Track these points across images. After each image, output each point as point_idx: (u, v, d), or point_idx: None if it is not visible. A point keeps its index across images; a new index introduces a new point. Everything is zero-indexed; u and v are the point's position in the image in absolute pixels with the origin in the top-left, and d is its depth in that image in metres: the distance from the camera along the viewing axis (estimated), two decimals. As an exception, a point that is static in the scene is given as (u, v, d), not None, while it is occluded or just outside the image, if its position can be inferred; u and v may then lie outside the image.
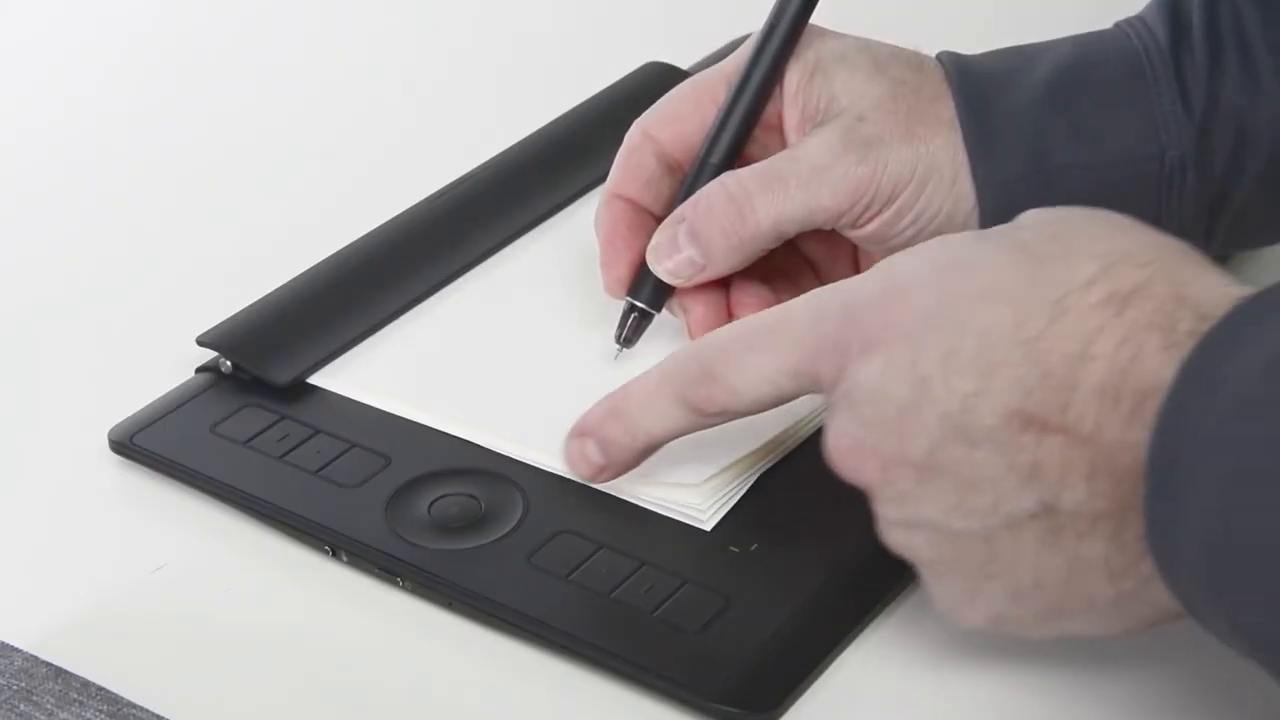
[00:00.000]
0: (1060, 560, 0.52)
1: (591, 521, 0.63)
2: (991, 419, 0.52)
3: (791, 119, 0.68)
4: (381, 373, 0.70)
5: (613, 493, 0.64)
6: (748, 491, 0.64)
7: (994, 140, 0.66)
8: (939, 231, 0.66)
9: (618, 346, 0.69)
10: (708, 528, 0.63)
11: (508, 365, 0.71)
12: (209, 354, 0.70)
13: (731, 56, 0.69)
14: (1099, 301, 0.51)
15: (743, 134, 0.68)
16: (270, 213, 0.84)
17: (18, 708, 0.57)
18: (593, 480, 0.63)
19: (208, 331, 0.71)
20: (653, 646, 0.58)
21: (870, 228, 0.66)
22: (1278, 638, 0.47)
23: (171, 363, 0.71)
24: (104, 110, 0.93)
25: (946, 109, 0.66)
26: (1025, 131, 0.66)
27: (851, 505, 0.64)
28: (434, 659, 0.60)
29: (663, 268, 0.68)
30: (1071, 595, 0.53)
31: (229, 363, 0.70)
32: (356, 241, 0.77)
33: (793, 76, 0.68)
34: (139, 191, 0.86)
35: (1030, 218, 0.56)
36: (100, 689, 0.57)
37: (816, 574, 0.61)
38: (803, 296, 0.58)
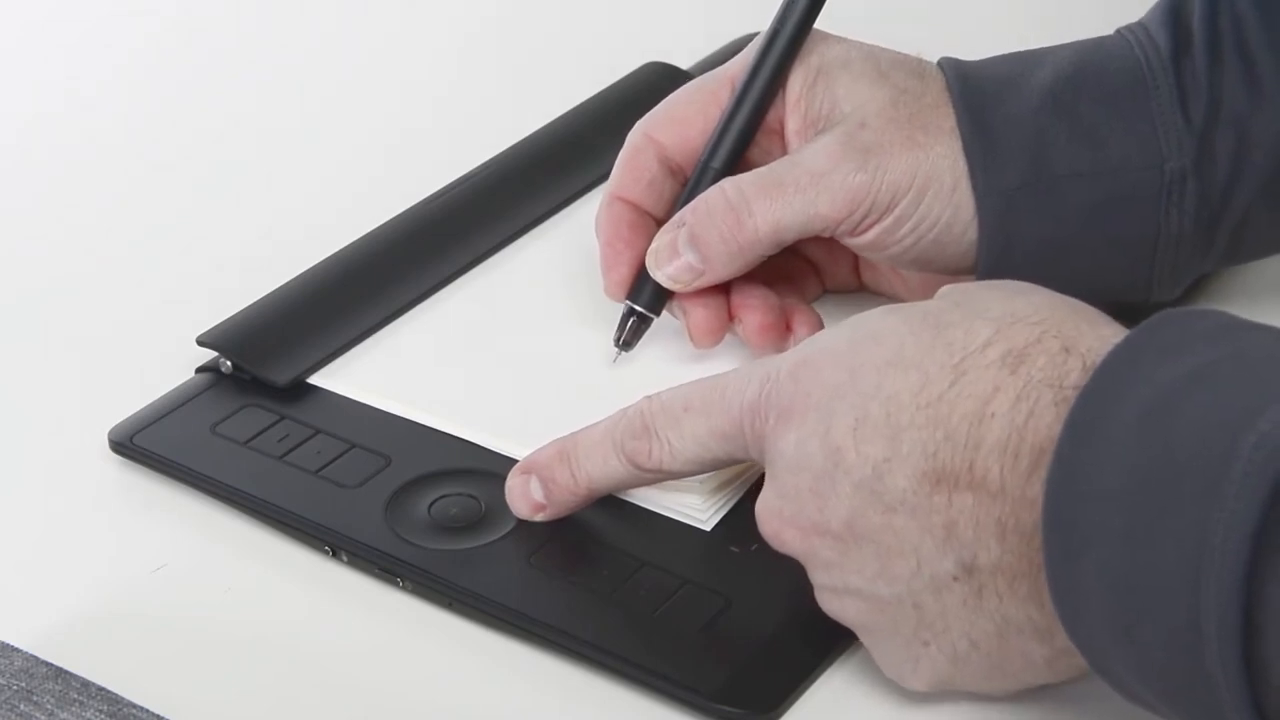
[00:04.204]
0: (989, 622, 0.53)
1: (592, 522, 0.63)
2: (904, 482, 0.53)
3: (793, 124, 0.68)
4: (381, 373, 0.70)
5: (612, 493, 0.64)
6: (748, 491, 0.64)
7: (994, 148, 0.65)
8: (938, 241, 0.66)
9: (616, 349, 0.69)
10: (708, 528, 0.63)
11: (507, 365, 0.71)
12: (209, 354, 0.70)
13: (735, 59, 0.69)
14: (994, 361, 0.52)
15: (744, 139, 0.68)
16: (270, 213, 0.84)
17: (18, 708, 0.57)
18: (530, 517, 0.63)
19: (208, 331, 0.71)
20: (653, 646, 0.58)
21: (869, 236, 0.66)
22: (1179, 688, 0.47)
23: (171, 363, 0.71)
24: (104, 110, 0.93)
25: (948, 116, 0.66)
26: (1025, 139, 0.65)
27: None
28: (434, 659, 0.60)
29: (662, 273, 0.68)
30: (1008, 654, 0.54)
31: (229, 363, 0.70)
32: (356, 241, 0.77)
33: (795, 82, 0.68)
34: (139, 192, 0.86)
35: (943, 290, 0.57)
36: (100, 689, 0.57)
37: (816, 574, 0.61)
38: (739, 366, 0.59)
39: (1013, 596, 0.52)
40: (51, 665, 0.58)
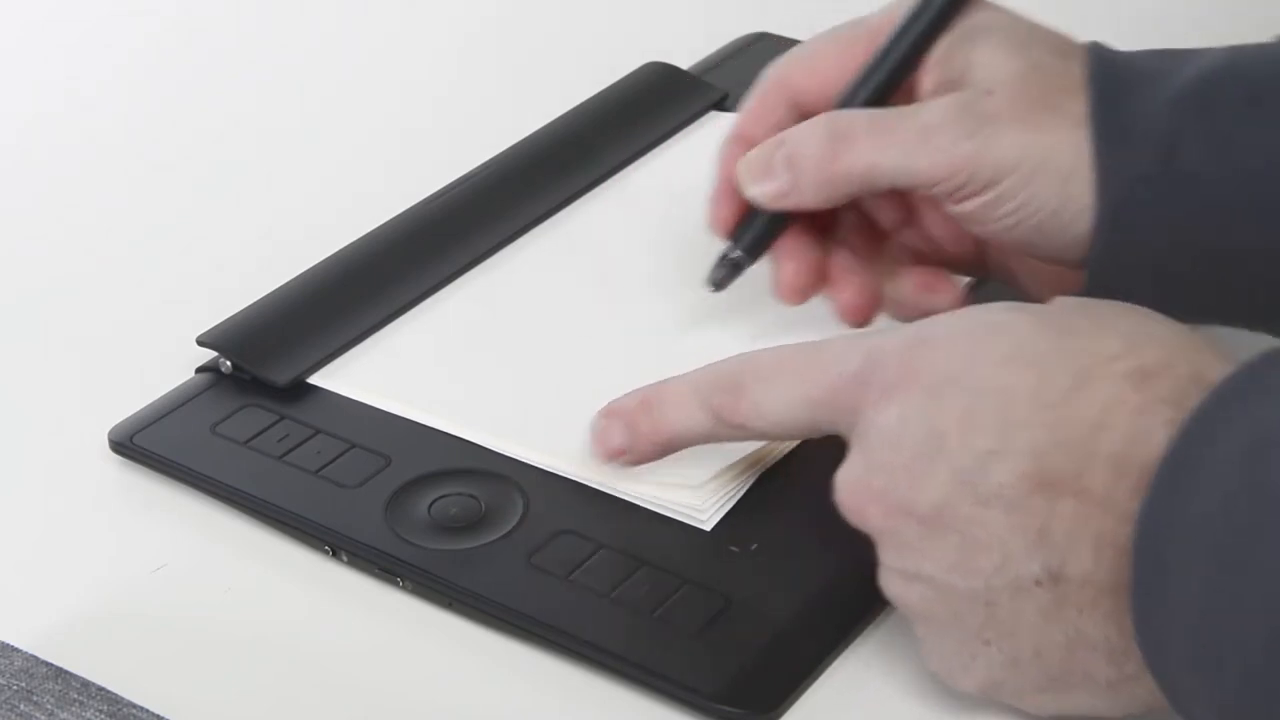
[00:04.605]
0: (1060, 634, 0.52)
1: (591, 521, 0.63)
2: (1005, 478, 0.52)
3: (928, 84, 0.66)
4: (381, 373, 0.70)
5: (613, 493, 0.64)
6: (748, 491, 0.64)
7: (1123, 135, 0.62)
8: (1042, 227, 0.63)
9: (709, 286, 0.69)
10: (708, 528, 0.63)
11: (508, 365, 0.71)
12: (209, 354, 0.70)
13: (881, 11, 0.67)
14: (1121, 374, 0.52)
15: (882, 93, 0.66)
16: (270, 213, 0.84)
17: (18, 708, 0.57)
18: (610, 460, 0.63)
19: (208, 331, 0.71)
20: (653, 646, 0.58)
21: (968, 206, 0.63)
22: None
23: (171, 363, 0.71)
24: (104, 110, 0.93)
25: (1077, 103, 0.63)
26: (1157, 131, 0.62)
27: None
28: (434, 659, 0.60)
29: (752, 187, 0.66)
30: (1071, 670, 0.53)
31: (229, 363, 0.70)
32: (356, 241, 0.77)
33: (940, 42, 0.66)
34: (139, 192, 0.86)
35: (1061, 300, 0.56)
36: (100, 689, 0.57)
37: (816, 574, 0.61)
38: (840, 334, 0.58)
39: (1093, 612, 0.51)
40: (51, 665, 0.58)
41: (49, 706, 0.57)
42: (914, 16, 0.66)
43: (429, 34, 1.00)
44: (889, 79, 0.66)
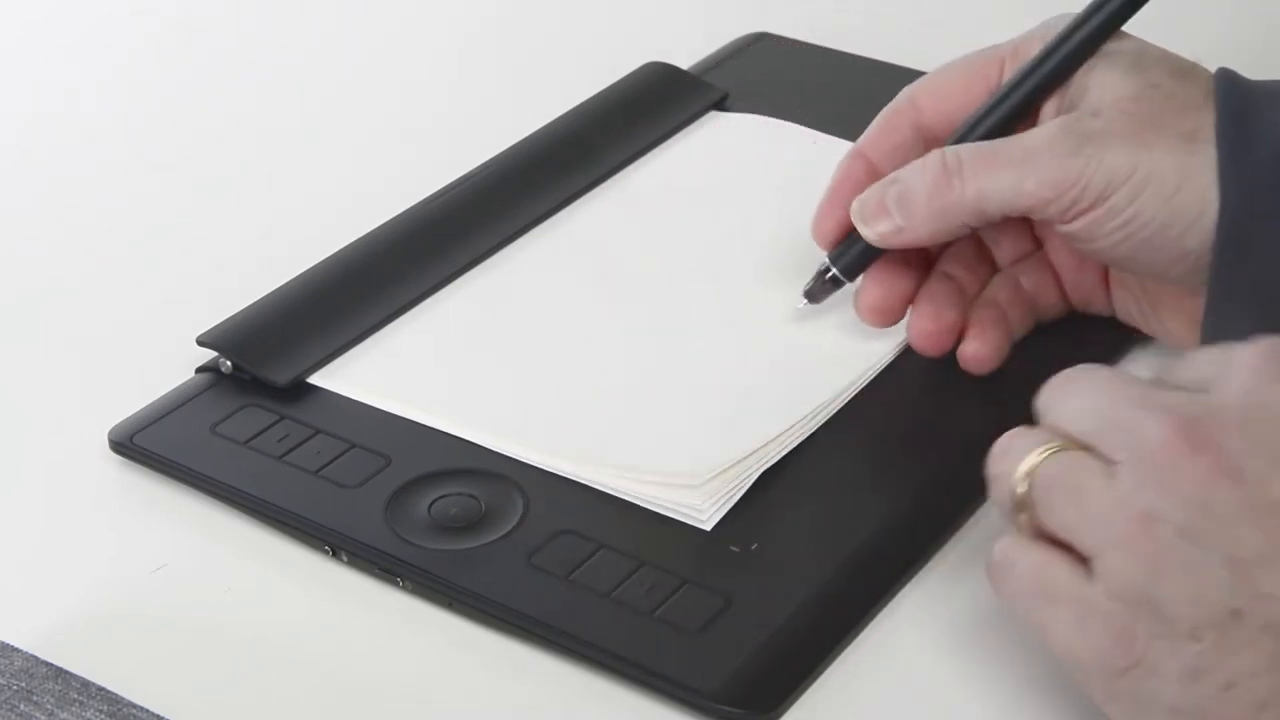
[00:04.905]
0: None
1: (591, 521, 0.63)
2: None
3: (1049, 112, 0.66)
4: (381, 373, 0.70)
5: (613, 493, 0.64)
6: (748, 491, 0.64)
7: (1248, 145, 0.62)
8: (1148, 241, 0.63)
9: (803, 299, 0.70)
10: (708, 528, 0.63)
11: (508, 365, 0.71)
12: (209, 354, 0.70)
13: (1024, 37, 0.68)
14: None
15: (1006, 126, 0.67)
16: (270, 213, 0.84)
17: (18, 708, 0.57)
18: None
19: (208, 331, 0.71)
20: (653, 646, 0.58)
21: (1078, 225, 0.64)
22: None
23: (171, 363, 0.71)
24: (104, 110, 0.93)
25: (1190, 121, 0.63)
26: (1278, 142, 0.62)
27: (852, 505, 0.64)
28: (434, 659, 0.60)
29: (865, 226, 0.67)
30: None
31: (229, 363, 0.70)
32: (356, 241, 0.77)
33: None
34: (139, 192, 0.86)
35: None
36: (100, 689, 0.57)
37: (816, 574, 0.61)
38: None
39: None
40: (51, 665, 0.58)
41: (49, 706, 0.57)
42: (1044, 56, 0.66)
43: (429, 34, 1.00)
44: (1010, 113, 0.66)
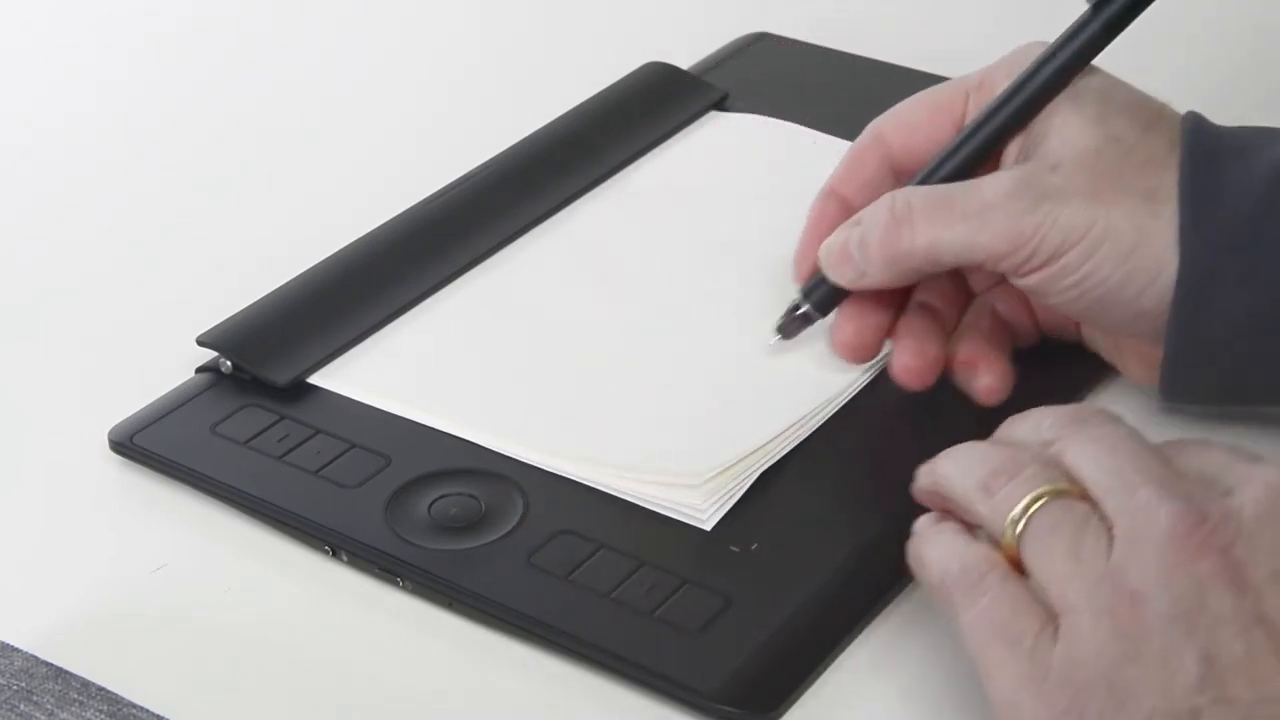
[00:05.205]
0: None
1: (591, 521, 0.63)
2: None
3: (1013, 149, 0.65)
4: (381, 373, 0.70)
5: (613, 493, 0.64)
6: (748, 491, 0.64)
7: (1212, 206, 0.61)
8: (1103, 299, 0.62)
9: (776, 335, 0.69)
10: (708, 527, 0.63)
11: (508, 365, 0.71)
12: (209, 354, 0.70)
13: (991, 67, 0.67)
14: None
15: (971, 166, 0.66)
16: (271, 213, 0.84)
17: (18, 708, 0.57)
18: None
19: (208, 331, 0.71)
20: (653, 646, 0.58)
21: (1032, 279, 0.63)
22: None
23: (171, 363, 0.71)
24: (106, 111, 0.93)
25: (1151, 178, 0.62)
26: (1248, 206, 0.61)
27: (852, 504, 0.64)
28: (434, 659, 0.60)
29: (830, 270, 0.67)
30: None
31: (229, 363, 0.70)
32: (356, 241, 0.77)
33: None
34: (140, 192, 0.86)
35: None
36: (100, 689, 0.57)
37: (816, 574, 0.61)
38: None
39: None
40: (51, 665, 0.58)
41: (49, 706, 0.57)
42: (1009, 95, 0.65)
43: (429, 34, 1.00)
44: (972, 156, 0.66)
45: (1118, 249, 0.62)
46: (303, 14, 1.01)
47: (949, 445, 0.65)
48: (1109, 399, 0.68)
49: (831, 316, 0.68)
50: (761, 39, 0.93)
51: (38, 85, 0.96)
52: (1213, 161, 0.62)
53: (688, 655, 0.58)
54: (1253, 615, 0.49)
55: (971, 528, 0.55)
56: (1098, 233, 0.62)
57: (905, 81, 0.89)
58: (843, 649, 0.59)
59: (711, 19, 0.96)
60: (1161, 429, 0.64)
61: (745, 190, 0.81)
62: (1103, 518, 0.52)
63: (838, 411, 0.68)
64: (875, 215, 0.65)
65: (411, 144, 0.88)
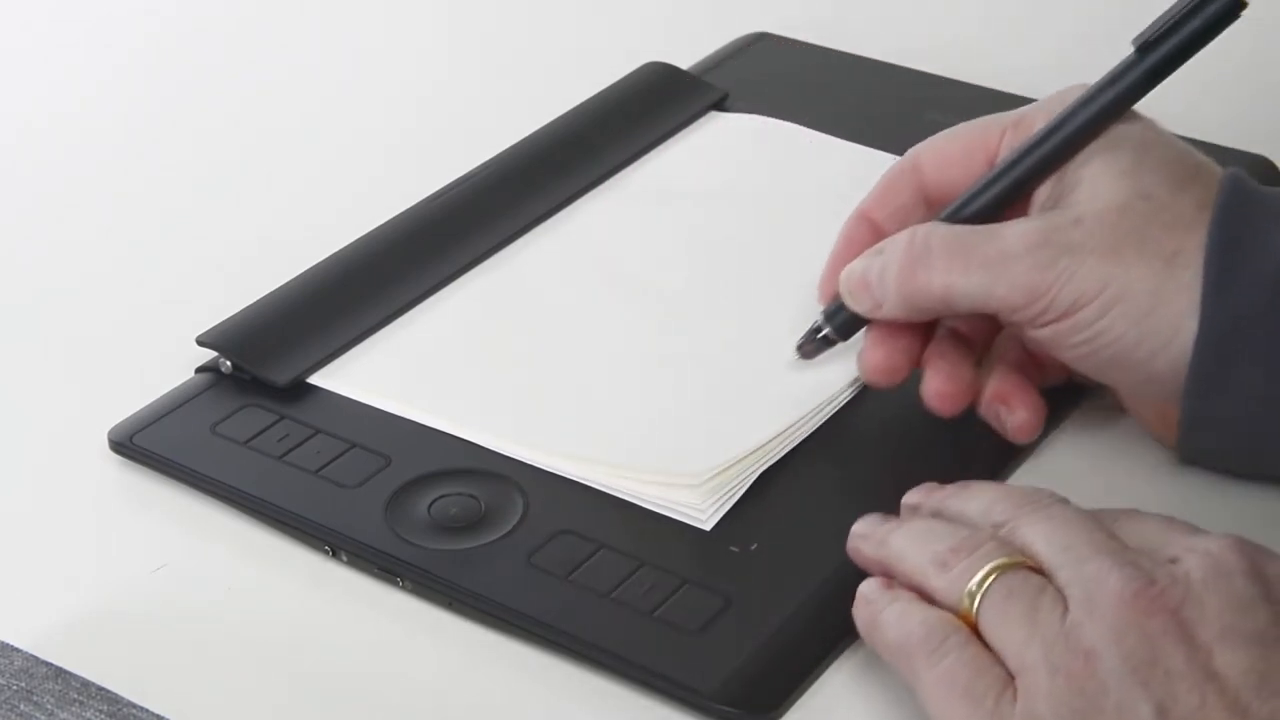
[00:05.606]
0: None
1: (591, 521, 0.63)
2: None
3: (1043, 192, 0.64)
4: (381, 373, 0.70)
5: (613, 493, 0.64)
6: (748, 491, 0.64)
7: (1237, 269, 0.60)
8: (1117, 357, 0.61)
9: (796, 354, 0.68)
10: (708, 528, 0.63)
11: (508, 365, 0.71)
12: (209, 354, 0.70)
13: (1025, 109, 0.66)
14: None
15: (1002, 203, 0.64)
16: (271, 213, 0.84)
17: (18, 708, 0.57)
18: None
19: (208, 331, 0.71)
20: (653, 646, 0.58)
21: (1044, 332, 0.62)
22: None
23: (171, 363, 0.71)
24: (104, 110, 0.93)
25: (1176, 240, 0.60)
26: (1272, 272, 0.59)
27: (851, 505, 0.64)
28: (434, 659, 0.60)
29: (851, 301, 0.66)
30: None
31: (229, 363, 0.70)
32: (356, 241, 0.77)
33: None
34: (139, 192, 0.86)
35: None
36: (100, 689, 0.57)
37: (816, 574, 0.61)
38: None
39: None
40: (51, 665, 0.58)
41: (49, 706, 0.57)
42: (1045, 136, 0.64)
43: (429, 34, 1.00)
44: (1001, 197, 0.64)
45: (1133, 310, 0.60)
46: (303, 14, 1.01)
47: (952, 446, 0.66)
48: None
49: (856, 339, 0.67)
50: (761, 39, 0.93)
51: (38, 85, 0.96)
52: (1244, 228, 0.60)
53: (687, 655, 0.58)
54: (1204, 671, 0.50)
55: (924, 597, 0.56)
56: (1112, 292, 0.60)
57: (905, 81, 0.89)
58: (843, 649, 0.59)
59: (711, 19, 0.96)
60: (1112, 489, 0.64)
61: (745, 190, 0.81)
62: (1058, 589, 0.53)
63: (838, 411, 0.68)
64: (895, 249, 0.64)
65: (412, 144, 0.88)
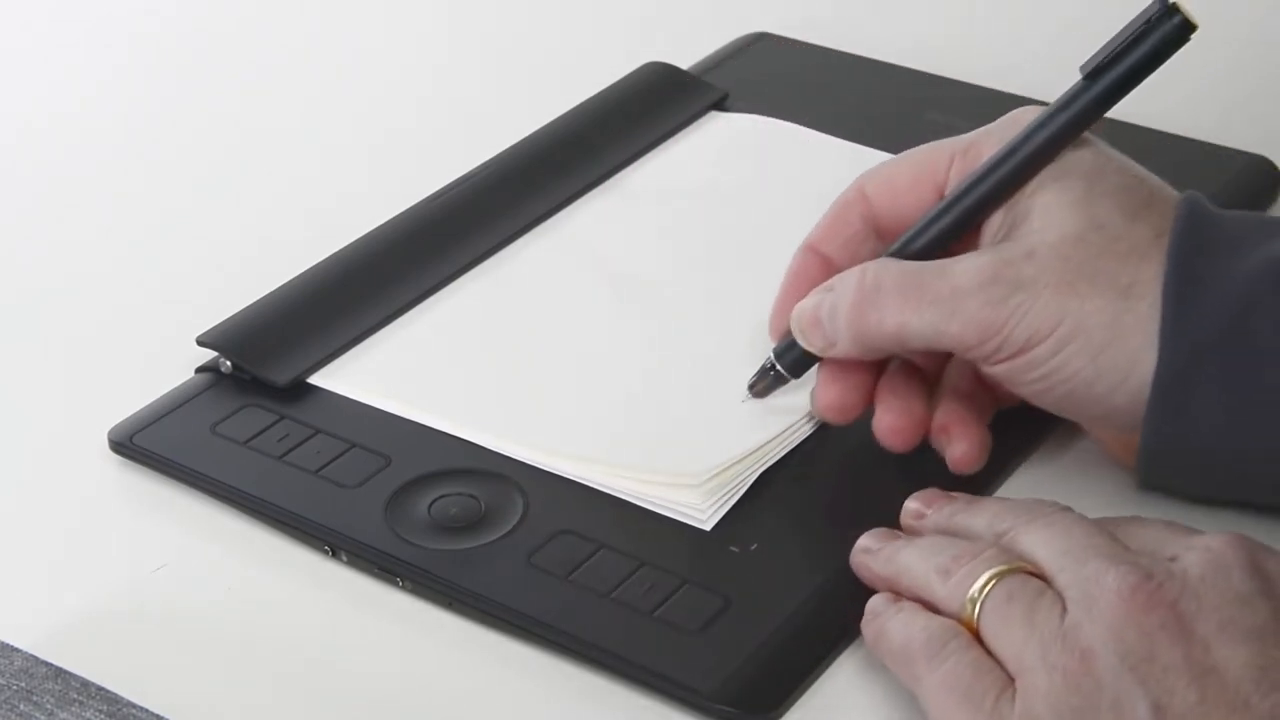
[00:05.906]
0: None
1: (591, 521, 0.63)
2: None
3: (994, 222, 0.63)
4: (381, 373, 0.70)
5: (613, 493, 0.64)
6: (748, 491, 0.64)
7: (1194, 299, 0.59)
8: (1074, 392, 0.60)
9: (747, 394, 0.67)
10: (708, 528, 0.63)
11: (508, 365, 0.71)
12: (209, 354, 0.70)
13: (974, 135, 0.64)
14: None
15: (952, 235, 0.63)
16: (270, 213, 0.84)
17: (18, 708, 0.57)
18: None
19: (208, 331, 0.71)
20: (653, 646, 0.58)
21: (1000, 369, 0.61)
22: None
23: (171, 363, 0.71)
24: (105, 110, 0.93)
25: (1131, 272, 0.59)
26: (1230, 300, 0.58)
27: (851, 504, 0.64)
28: (434, 659, 0.60)
29: (802, 339, 0.65)
30: None
31: (229, 363, 0.70)
32: (356, 241, 0.77)
33: None
34: (138, 192, 0.86)
35: None
36: (100, 689, 0.57)
37: (816, 574, 0.61)
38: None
39: None
40: (51, 665, 0.58)
41: (49, 706, 0.57)
42: (995, 165, 0.62)
43: (429, 34, 1.00)
44: (951, 228, 0.63)
45: (1088, 345, 0.59)
46: (303, 14, 1.01)
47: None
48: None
49: (810, 376, 0.66)
50: (761, 39, 0.93)
51: (37, 85, 0.96)
52: (1200, 255, 0.59)
53: (687, 655, 0.58)
54: (1202, 666, 0.50)
55: (929, 608, 0.57)
56: (1067, 329, 0.59)
57: (905, 81, 0.89)
58: (843, 649, 0.59)
59: (711, 19, 0.96)
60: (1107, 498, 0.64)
61: (745, 190, 0.81)
62: (1057, 592, 0.54)
63: (838, 411, 0.68)
64: (845, 287, 0.63)
65: (411, 144, 0.88)
